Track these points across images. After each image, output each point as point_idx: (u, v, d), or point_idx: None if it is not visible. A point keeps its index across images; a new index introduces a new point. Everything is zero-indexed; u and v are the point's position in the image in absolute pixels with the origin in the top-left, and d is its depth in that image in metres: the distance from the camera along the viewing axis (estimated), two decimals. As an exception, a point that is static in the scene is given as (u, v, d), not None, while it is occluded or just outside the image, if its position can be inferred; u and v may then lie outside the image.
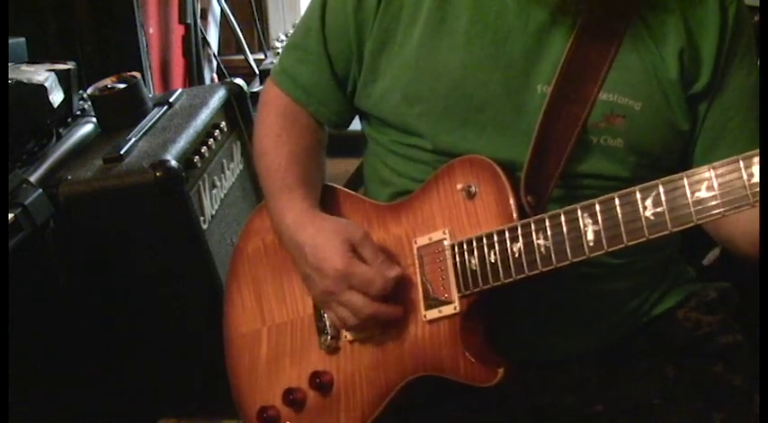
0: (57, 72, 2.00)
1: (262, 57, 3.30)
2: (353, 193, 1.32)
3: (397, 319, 1.17)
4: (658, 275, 1.29)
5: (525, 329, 1.22)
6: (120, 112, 2.11)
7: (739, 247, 1.18)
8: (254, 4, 3.29)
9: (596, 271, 1.20)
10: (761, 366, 1.02)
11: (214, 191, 2.10)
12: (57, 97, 1.97)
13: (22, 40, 2.19)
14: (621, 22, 1.14)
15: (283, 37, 3.30)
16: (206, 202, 2.04)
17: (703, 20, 1.14)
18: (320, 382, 1.23)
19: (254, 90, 2.68)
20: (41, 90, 1.91)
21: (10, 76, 1.90)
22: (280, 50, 3.00)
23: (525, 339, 1.23)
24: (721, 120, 1.18)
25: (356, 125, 1.40)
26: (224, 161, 2.20)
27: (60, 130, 2.03)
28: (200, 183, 2.02)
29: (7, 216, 1.62)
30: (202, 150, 2.04)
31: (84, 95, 2.17)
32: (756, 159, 0.88)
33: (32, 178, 1.81)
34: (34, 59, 2.13)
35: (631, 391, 1.23)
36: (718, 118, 1.18)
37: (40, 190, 1.74)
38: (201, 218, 1.98)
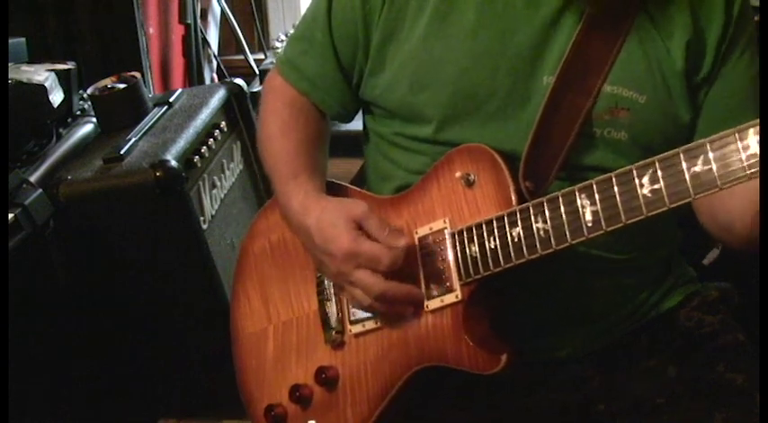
0: (57, 72, 2.00)
1: (262, 57, 3.29)
2: (355, 187, 1.32)
3: (410, 297, 1.16)
4: (660, 274, 1.29)
5: (527, 329, 1.22)
6: (120, 112, 2.11)
7: (738, 232, 1.15)
8: (254, 4, 3.28)
9: (597, 266, 1.20)
10: (761, 366, 1.02)
11: (214, 191, 2.10)
12: (57, 97, 1.97)
13: (22, 40, 2.18)
14: (628, 14, 1.14)
15: (283, 37, 3.29)
16: (206, 202, 2.03)
17: (710, 12, 1.15)
18: (325, 378, 1.23)
19: (254, 90, 2.67)
20: (41, 90, 1.91)
21: (10, 76, 1.90)
22: (280, 50, 2.99)
23: (527, 339, 1.22)
24: (719, 110, 1.18)
25: (358, 125, 1.40)
26: (224, 161, 2.20)
27: (60, 130, 2.04)
28: (200, 183, 2.02)
29: (7, 216, 1.62)
30: (202, 150, 2.04)
31: (84, 95, 2.17)
32: (751, 131, 0.88)
33: (32, 178, 1.81)
34: (34, 59, 2.13)
35: (633, 390, 1.22)
36: (716, 108, 1.18)
37: (40, 190, 1.74)
38: (201, 218, 1.98)
